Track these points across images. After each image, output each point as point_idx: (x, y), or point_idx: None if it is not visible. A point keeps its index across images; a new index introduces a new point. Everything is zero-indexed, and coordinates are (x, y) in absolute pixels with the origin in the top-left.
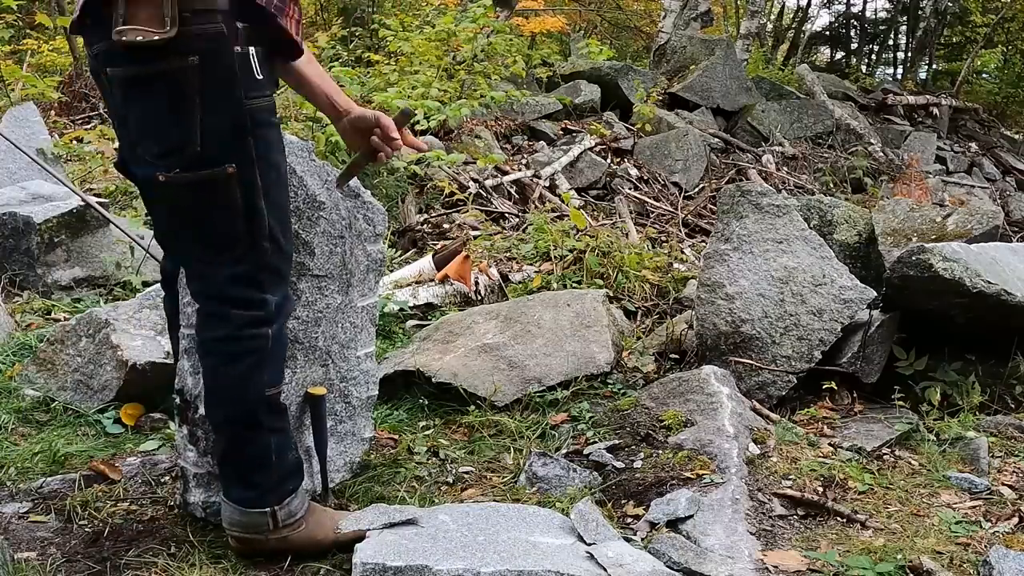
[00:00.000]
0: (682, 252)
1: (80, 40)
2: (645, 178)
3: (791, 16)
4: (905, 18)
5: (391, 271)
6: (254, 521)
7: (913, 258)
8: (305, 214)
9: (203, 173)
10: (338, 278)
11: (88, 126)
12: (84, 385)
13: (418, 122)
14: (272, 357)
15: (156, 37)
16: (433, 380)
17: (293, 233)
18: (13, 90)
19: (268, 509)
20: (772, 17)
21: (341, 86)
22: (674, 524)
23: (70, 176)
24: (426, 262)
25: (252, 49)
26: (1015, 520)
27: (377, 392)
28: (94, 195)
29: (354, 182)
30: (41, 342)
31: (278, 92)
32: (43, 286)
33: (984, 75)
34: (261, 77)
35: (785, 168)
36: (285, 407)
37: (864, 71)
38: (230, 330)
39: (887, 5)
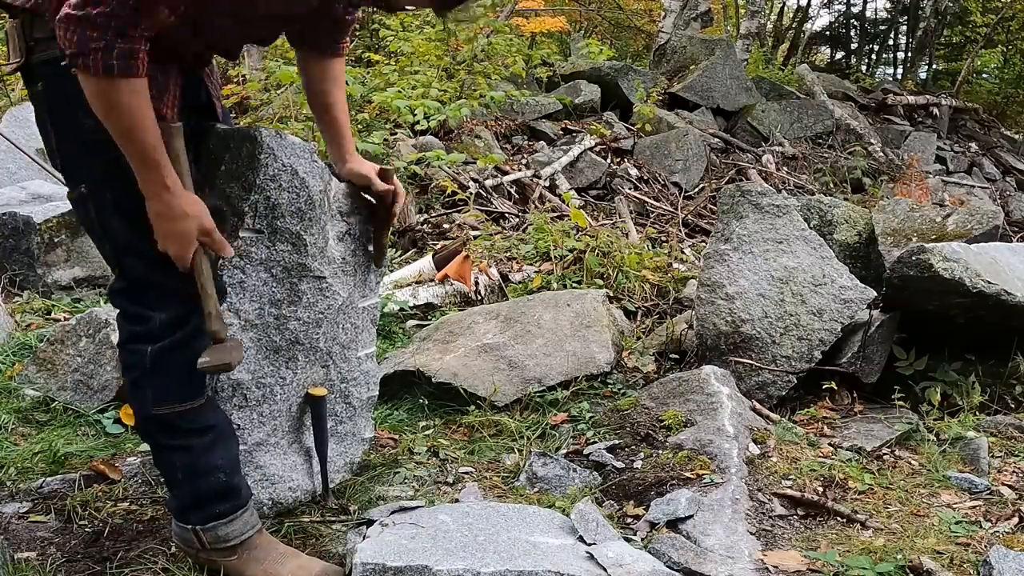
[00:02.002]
0: (682, 252)
1: None
2: (645, 178)
3: (791, 16)
4: (905, 18)
5: (391, 271)
6: (183, 534)
7: (913, 258)
8: (306, 215)
9: (71, 194)
10: (339, 279)
11: None
12: (84, 385)
13: (418, 122)
14: (157, 376)
15: (11, 67)
16: (433, 380)
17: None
18: (13, 90)
19: (190, 527)
20: (772, 17)
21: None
22: (674, 524)
23: None
24: (426, 262)
25: None
26: (1015, 520)
27: (377, 392)
28: None
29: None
30: (41, 342)
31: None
32: (43, 286)
33: (984, 75)
34: None
35: (785, 168)
36: (192, 428)
37: (864, 71)
38: (119, 342)
39: (887, 5)
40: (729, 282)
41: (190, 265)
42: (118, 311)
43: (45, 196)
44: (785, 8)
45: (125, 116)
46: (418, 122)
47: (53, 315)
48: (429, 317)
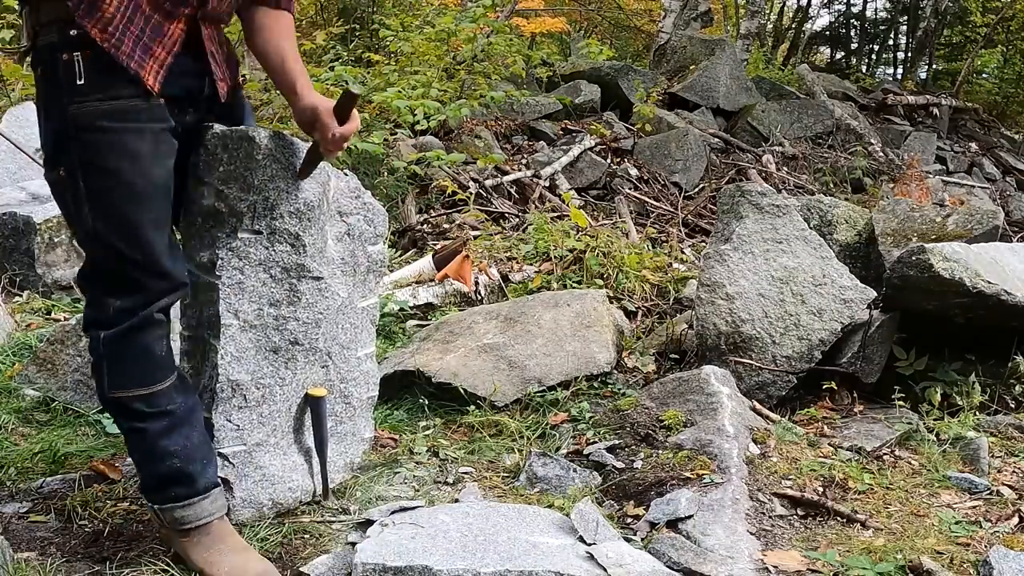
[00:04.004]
0: (682, 252)
1: None
2: (645, 178)
3: (791, 16)
4: (905, 18)
5: (391, 271)
6: (149, 508)
7: (913, 258)
8: (305, 216)
9: (50, 175)
10: (338, 279)
11: None
12: (84, 385)
13: (418, 122)
14: (111, 361)
15: (22, 50)
16: (433, 380)
17: (148, 244)
18: (13, 90)
19: (150, 504)
20: (772, 17)
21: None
22: (674, 524)
23: None
24: (426, 262)
25: (77, 55)
26: (1015, 520)
27: (377, 392)
28: None
29: (354, 183)
30: (41, 342)
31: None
32: (43, 286)
33: (984, 75)
34: (83, 82)
35: (785, 168)
36: (147, 412)
37: (864, 71)
38: (83, 325)
39: (887, 5)
40: (729, 282)
41: None
42: (84, 294)
43: (45, 196)
44: (785, 8)
45: None
46: (418, 122)
47: (53, 315)
48: (429, 317)
